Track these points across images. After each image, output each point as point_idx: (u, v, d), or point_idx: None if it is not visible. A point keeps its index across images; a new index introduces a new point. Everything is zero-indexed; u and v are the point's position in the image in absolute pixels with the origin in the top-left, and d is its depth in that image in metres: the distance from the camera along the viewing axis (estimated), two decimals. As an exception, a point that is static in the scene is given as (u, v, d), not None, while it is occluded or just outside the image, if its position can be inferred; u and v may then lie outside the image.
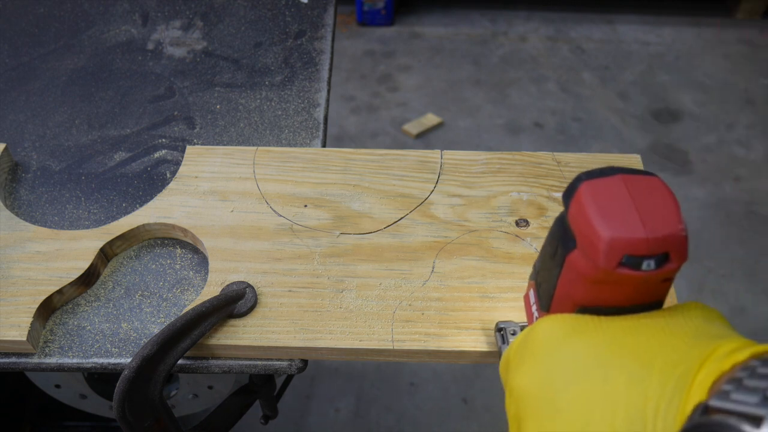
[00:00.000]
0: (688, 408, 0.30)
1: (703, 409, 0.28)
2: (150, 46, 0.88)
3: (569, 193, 0.38)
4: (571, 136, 2.24)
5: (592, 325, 0.36)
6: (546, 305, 0.43)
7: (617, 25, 2.77)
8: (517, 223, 0.62)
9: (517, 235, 0.61)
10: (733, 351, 0.31)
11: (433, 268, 0.59)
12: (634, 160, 0.68)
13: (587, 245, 0.36)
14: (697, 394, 0.30)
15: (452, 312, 0.55)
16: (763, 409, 0.25)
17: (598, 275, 0.36)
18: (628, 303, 0.37)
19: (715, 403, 0.28)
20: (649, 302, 0.38)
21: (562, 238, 0.39)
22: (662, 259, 0.35)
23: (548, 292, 0.42)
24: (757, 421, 0.25)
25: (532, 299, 0.46)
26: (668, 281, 0.37)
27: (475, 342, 0.54)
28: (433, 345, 0.53)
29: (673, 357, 0.32)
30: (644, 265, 0.34)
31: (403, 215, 0.63)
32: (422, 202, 0.64)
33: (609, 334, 0.35)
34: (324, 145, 0.75)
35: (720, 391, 0.28)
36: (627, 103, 2.38)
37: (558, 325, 0.38)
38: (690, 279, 1.81)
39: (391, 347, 0.54)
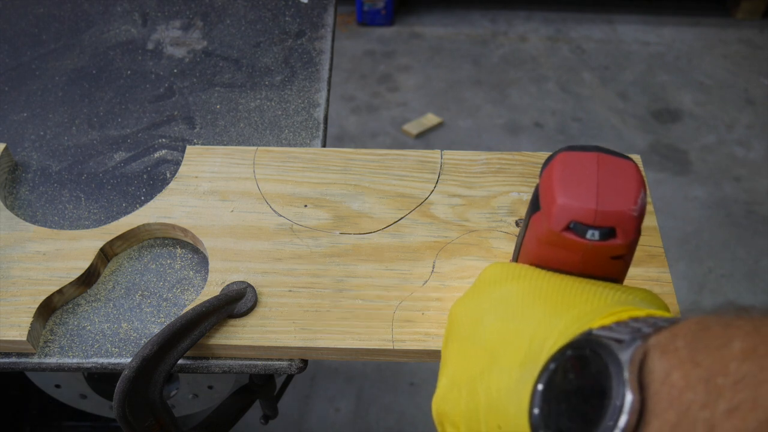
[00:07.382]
0: None
1: (587, 333, 0.32)
2: (150, 46, 0.88)
3: (547, 161, 0.40)
4: (571, 136, 2.24)
5: (533, 275, 0.40)
6: (514, 260, 0.46)
7: (617, 25, 2.77)
8: (517, 223, 0.62)
9: (516, 236, 0.61)
10: (636, 310, 0.34)
11: (433, 268, 0.59)
12: (635, 160, 0.68)
13: (545, 208, 0.39)
14: None
15: (452, 312, 0.55)
16: (628, 336, 0.30)
17: (547, 236, 0.39)
18: (577, 271, 0.39)
19: (597, 331, 0.32)
20: (600, 276, 0.40)
21: (534, 202, 0.41)
22: (607, 233, 0.37)
23: (517, 249, 0.45)
24: (621, 342, 0.29)
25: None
26: (619, 259, 0.39)
27: (475, 342, 0.54)
28: (433, 345, 0.53)
29: (587, 311, 0.35)
30: (588, 234, 0.37)
31: (403, 215, 0.63)
32: (422, 202, 0.64)
33: (541, 285, 0.39)
34: (324, 145, 0.75)
35: (606, 326, 0.32)
36: (627, 103, 2.38)
37: (503, 268, 0.41)
38: (690, 279, 1.81)
39: (391, 347, 0.54)
